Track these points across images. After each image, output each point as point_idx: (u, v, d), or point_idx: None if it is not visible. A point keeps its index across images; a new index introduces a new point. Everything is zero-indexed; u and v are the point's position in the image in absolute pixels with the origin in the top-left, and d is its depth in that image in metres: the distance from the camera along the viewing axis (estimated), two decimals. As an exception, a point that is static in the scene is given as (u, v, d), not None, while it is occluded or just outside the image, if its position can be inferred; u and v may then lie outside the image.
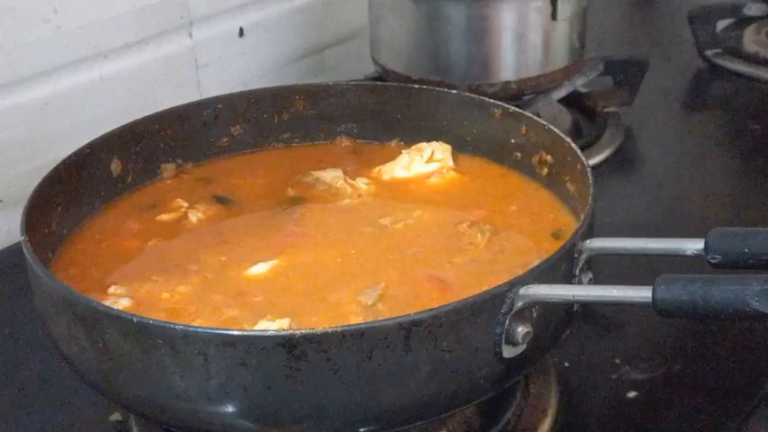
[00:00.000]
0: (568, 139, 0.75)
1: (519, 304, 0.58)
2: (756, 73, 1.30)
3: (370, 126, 0.89)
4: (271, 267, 0.71)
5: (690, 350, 0.80)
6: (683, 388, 0.75)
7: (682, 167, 1.10)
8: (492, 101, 0.83)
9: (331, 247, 0.74)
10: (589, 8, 1.10)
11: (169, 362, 0.56)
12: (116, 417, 0.73)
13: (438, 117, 0.86)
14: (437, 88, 0.87)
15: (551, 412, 0.72)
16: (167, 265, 0.72)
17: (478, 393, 0.62)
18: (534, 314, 0.60)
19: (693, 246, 0.63)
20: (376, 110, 0.88)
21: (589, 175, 0.70)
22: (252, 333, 0.56)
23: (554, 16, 1.04)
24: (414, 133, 0.87)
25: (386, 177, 0.84)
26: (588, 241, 0.64)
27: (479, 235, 0.74)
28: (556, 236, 0.73)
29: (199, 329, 0.56)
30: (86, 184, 0.77)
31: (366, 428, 0.59)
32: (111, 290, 0.69)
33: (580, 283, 0.64)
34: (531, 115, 0.81)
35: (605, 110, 1.16)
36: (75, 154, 0.76)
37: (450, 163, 0.84)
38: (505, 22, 1.03)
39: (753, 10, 1.36)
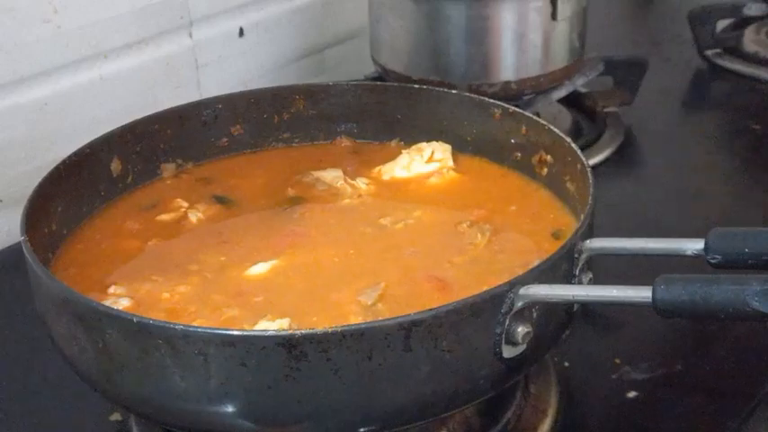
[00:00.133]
0: (568, 139, 0.75)
1: (519, 304, 0.58)
2: (756, 73, 1.30)
3: (370, 126, 0.89)
4: (271, 267, 0.71)
5: (690, 350, 0.80)
6: (683, 388, 0.75)
7: (682, 167, 1.10)
8: (492, 101, 0.83)
9: (331, 247, 0.74)
10: (589, 8, 1.10)
11: (169, 362, 0.56)
12: (116, 417, 0.73)
13: (438, 117, 0.86)
14: (437, 88, 0.87)
15: (551, 412, 0.72)
16: (167, 265, 0.72)
17: (478, 393, 0.62)
18: (534, 314, 0.60)
19: (693, 246, 0.63)
20: (376, 110, 0.88)
21: (589, 175, 0.70)
22: (252, 333, 0.56)
23: (554, 16, 1.04)
24: (414, 133, 0.87)
25: (386, 177, 0.84)
26: (588, 241, 0.64)
27: (479, 235, 0.74)
28: (556, 236, 0.73)
29: (199, 329, 0.56)
30: (86, 184, 0.77)
31: (366, 428, 0.59)
32: (111, 290, 0.69)
33: (580, 283, 0.64)
34: (531, 115, 0.81)
35: (605, 110, 1.16)
36: (75, 154, 0.76)
37: (450, 163, 0.84)
38: (505, 22, 1.03)
39: (753, 10, 1.36)
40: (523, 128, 0.81)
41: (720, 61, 1.33)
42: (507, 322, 0.58)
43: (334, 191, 0.82)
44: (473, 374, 0.59)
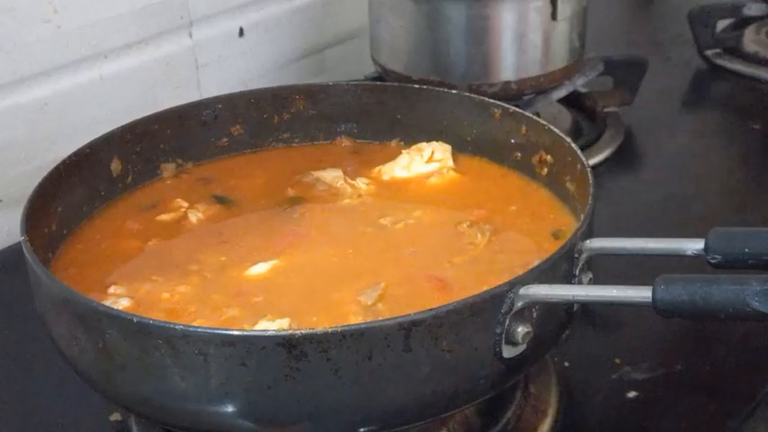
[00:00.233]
0: (568, 139, 0.75)
1: (519, 304, 0.58)
2: (756, 73, 1.30)
3: (370, 126, 0.89)
4: (271, 267, 0.71)
5: (690, 350, 0.80)
6: (683, 388, 0.75)
7: (682, 168, 1.10)
8: (492, 101, 0.83)
9: (331, 247, 0.74)
10: (589, 8, 1.10)
11: (169, 362, 0.56)
12: (116, 417, 0.73)
13: (438, 117, 0.86)
14: (437, 88, 0.87)
15: (551, 412, 0.72)
16: (167, 265, 0.72)
17: (478, 393, 0.62)
18: (534, 314, 0.60)
19: (693, 246, 0.63)
20: (376, 110, 0.88)
21: (589, 175, 0.70)
22: (252, 333, 0.56)
23: (554, 16, 1.04)
24: (414, 133, 0.87)
25: (386, 177, 0.84)
26: (588, 241, 0.64)
27: (479, 235, 0.74)
28: (556, 236, 0.73)
29: (199, 329, 0.56)
30: (86, 184, 0.77)
31: (366, 428, 0.59)
32: (111, 290, 0.69)
33: (580, 283, 0.64)
34: (531, 115, 0.81)
35: (605, 110, 1.16)
36: (75, 154, 0.76)
37: (450, 163, 0.84)
38: (505, 22, 1.03)
39: (753, 10, 1.36)
40: (523, 128, 0.81)
41: (720, 61, 1.33)
42: (507, 322, 0.58)
43: (334, 191, 0.82)
44: (473, 374, 0.59)
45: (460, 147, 0.85)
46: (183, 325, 0.56)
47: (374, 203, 0.81)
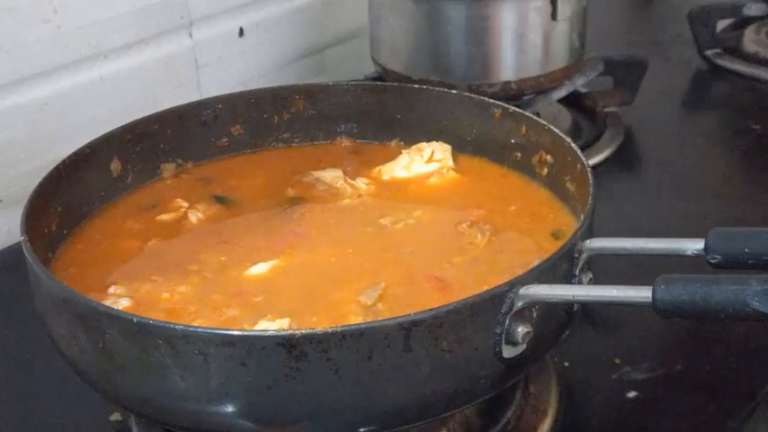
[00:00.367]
0: (568, 139, 0.75)
1: (519, 304, 0.58)
2: (756, 73, 1.30)
3: (370, 126, 0.89)
4: (271, 267, 0.71)
5: (690, 350, 0.80)
6: (683, 388, 0.75)
7: (682, 167, 1.10)
8: (492, 101, 0.83)
9: (331, 247, 0.74)
10: (589, 8, 1.10)
11: (169, 362, 0.56)
12: (116, 417, 0.73)
13: (438, 117, 0.86)
14: (437, 88, 0.87)
15: (551, 412, 0.72)
16: (167, 265, 0.72)
17: (478, 393, 0.62)
18: (534, 314, 0.60)
19: (693, 246, 0.63)
20: (376, 110, 0.88)
21: (589, 175, 0.70)
22: (252, 333, 0.56)
23: (554, 16, 1.04)
24: (414, 133, 0.87)
25: (386, 177, 0.84)
26: (588, 241, 0.64)
27: (479, 235, 0.74)
28: (556, 236, 0.73)
29: (199, 329, 0.56)
30: (86, 184, 0.77)
31: (366, 428, 0.59)
32: (111, 290, 0.69)
33: (580, 283, 0.64)
34: (531, 115, 0.81)
35: (605, 110, 1.16)
36: (75, 154, 0.76)
37: (450, 163, 0.84)
38: (505, 22, 1.03)
39: (753, 10, 1.36)
40: (523, 128, 0.81)
41: (720, 61, 1.34)
42: (507, 322, 0.58)
43: (334, 191, 0.82)
44: (473, 374, 0.59)
45: (460, 147, 0.85)
46: (183, 325, 0.56)
47: (374, 203, 0.81)
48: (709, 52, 1.34)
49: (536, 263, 0.62)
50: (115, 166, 0.80)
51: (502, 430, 0.70)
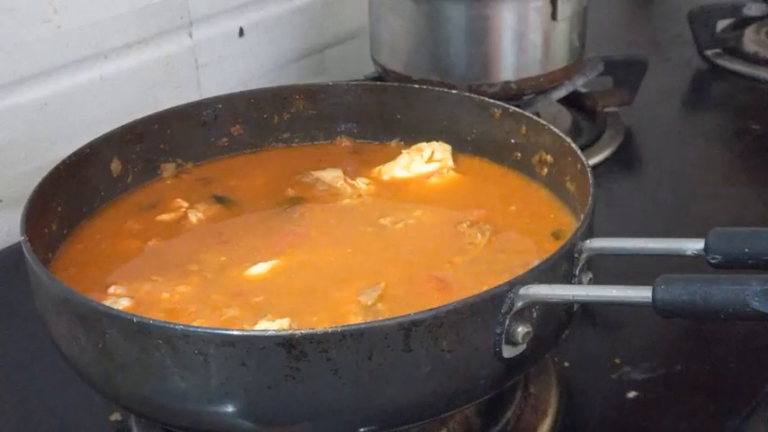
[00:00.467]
0: (568, 139, 0.75)
1: (519, 304, 0.58)
2: (756, 73, 1.30)
3: (370, 126, 0.89)
4: (271, 267, 0.71)
5: (690, 350, 0.80)
6: (683, 388, 0.75)
7: (682, 167, 1.10)
8: (492, 101, 0.83)
9: (331, 247, 0.74)
10: (589, 8, 1.10)
11: (169, 362, 0.56)
12: (116, 417, 0.73)
13: (438, 117, 0.86)
14: (437, 88, 0.87)
15: (551, 412, 0.72)
16: (167, 265, 0.72)
17: (478, 393, 0.62)
18: (534, 314, 0.60)
19: (693, 246, 0.63)
20: (376, 110, 0.88)
21: (589, 175, 0.70)
22: (252, 333, 0.56)
23: (554, 16, 1.04)
24: (414, 133, 0.87)
25: (386, 177, 0.84)
26: (588, 241, 0.64)
27: (479, 235, 0.74)
28: (556, 236, 0.73)
29: (199, 329, 0.56)
30: (86, 184, 0.77)
31: (366, 428, 0.59)
32: (111, 290, 0.69)
33: (580, 283, 0.64)
34: (531, 115, 0.81)
35: (605, 110, 1.16)
36: (75, 154, 0.76)
37: (450, 163, 0.84)
38: (505, 22, 1.03)
39: (753, 10, 1.36)
40: (523, 128, 0.81)
41: (720, 61, 1.33)
42: (507, 322, 0.58)
43: (334, 191, 0.82)
44: (473, 374, 0.59)
45: (460, 147, 0.85)
46: (183, 325, 0.56)
47: (374, 203, 0.81)
48: (709, 52, 1.34)
49: (536, 263, 0.62)
50: (115, 165, 0.80)
51: (502, 430, 0.70)
